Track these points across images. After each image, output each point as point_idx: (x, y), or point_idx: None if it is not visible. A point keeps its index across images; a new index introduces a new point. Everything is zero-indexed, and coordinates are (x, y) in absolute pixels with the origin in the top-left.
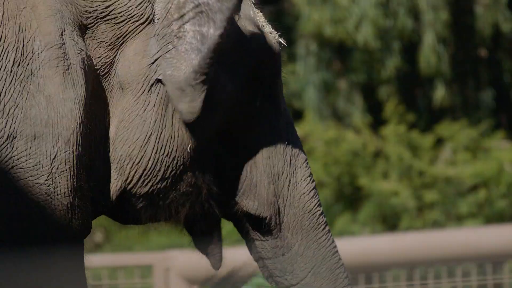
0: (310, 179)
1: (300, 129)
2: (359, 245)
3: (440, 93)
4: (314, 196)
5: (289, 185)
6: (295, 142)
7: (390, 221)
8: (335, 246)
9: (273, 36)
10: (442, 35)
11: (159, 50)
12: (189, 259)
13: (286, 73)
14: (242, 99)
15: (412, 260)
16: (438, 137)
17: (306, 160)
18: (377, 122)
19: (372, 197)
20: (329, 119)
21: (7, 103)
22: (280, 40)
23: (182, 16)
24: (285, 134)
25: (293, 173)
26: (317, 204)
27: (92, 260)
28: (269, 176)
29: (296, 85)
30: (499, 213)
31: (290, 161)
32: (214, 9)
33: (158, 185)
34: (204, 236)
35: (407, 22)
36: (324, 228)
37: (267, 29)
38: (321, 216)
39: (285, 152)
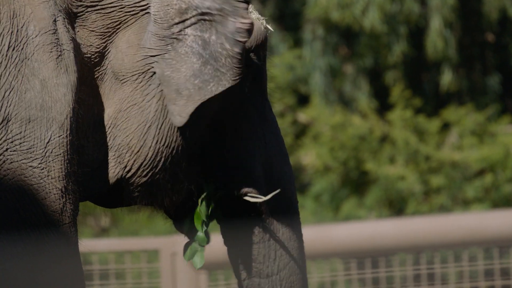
0: (291, 166)
1: (307, 114)
2: (366, 230)
3: (447, 78)
4: (294, 185)
5: (280, 172)
6: (278, 128)
7: (396, 206)
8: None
9: (260, 22)
10: (449, 19)
11: (157, 49)
12: None
13: (292, 58)
14: (233, 86)
15: (418, 244)
16: (444, 122)
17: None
18: (383, 107)
19: (378, 181)
20: (336, 104)
21: (2, 86)
22: (267, 26)
23: (183, 21)
24: (271, 121)
25: (284, 161)
26: (295, 194)
27: (99, 244)
28: (263, 164)
29: (302, 70)
30: (506, 198)
31: (280, 148)
32: (218, 20)
33: (158, 175)
34: (186, 218)
35: (413, 6)
36: (299, 219)
37: (254, 15)
38: (297, 205)
39: (276, 139)
